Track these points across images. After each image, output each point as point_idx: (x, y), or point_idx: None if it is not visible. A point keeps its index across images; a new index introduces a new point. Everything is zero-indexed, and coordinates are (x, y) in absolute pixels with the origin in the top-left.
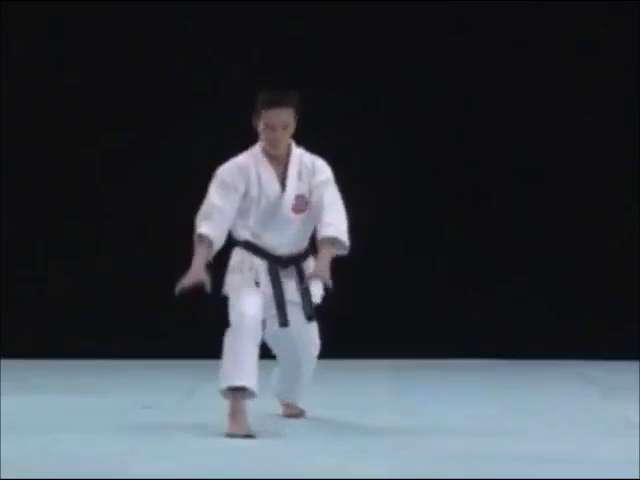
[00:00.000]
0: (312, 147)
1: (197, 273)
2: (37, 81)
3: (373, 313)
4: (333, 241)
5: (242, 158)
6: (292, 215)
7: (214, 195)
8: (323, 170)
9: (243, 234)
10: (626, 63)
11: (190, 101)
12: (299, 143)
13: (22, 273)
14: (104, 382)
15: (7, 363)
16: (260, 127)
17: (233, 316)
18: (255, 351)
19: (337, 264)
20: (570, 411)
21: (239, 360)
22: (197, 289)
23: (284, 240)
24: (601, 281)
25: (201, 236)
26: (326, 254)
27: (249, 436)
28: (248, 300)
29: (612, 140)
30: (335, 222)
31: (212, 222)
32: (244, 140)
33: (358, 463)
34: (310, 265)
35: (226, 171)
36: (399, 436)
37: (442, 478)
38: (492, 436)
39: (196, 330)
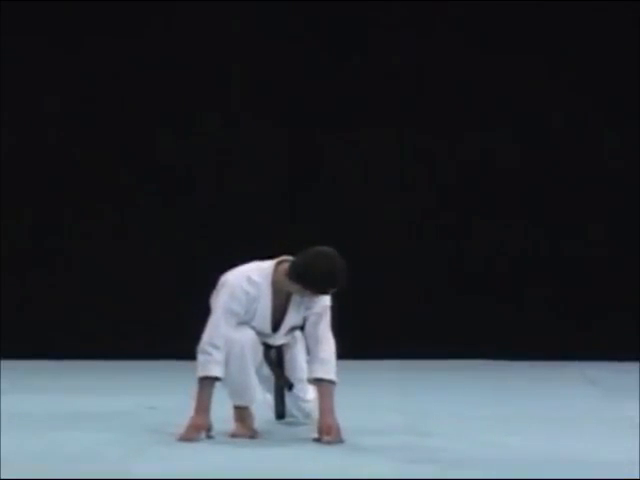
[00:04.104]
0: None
1: (202, 424)
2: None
3: (375, 314)
4: (330, 381)
5: (253, 280)
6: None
7: (222, 324)
8: (325, 299)
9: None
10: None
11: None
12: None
13: (22, 273)
14: (106, 383)
15: (7, 363)
16: (299, 287)
17: (230, 344)
18: (253, 371)
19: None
20: (572, 412)
21: (243, 383)
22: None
23: (274, 342)
24: (603, 281)
25: (212, 378)
26: (329, 402)
27: (253, 437)
28: (241, 328)
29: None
30: (330, 358)
31: (221, 357)
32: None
33: (360, 463)
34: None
35: (236, 298)
36: (401, 436)
37: (444, 478)
38: (494, 436)
39: (198, 331)
